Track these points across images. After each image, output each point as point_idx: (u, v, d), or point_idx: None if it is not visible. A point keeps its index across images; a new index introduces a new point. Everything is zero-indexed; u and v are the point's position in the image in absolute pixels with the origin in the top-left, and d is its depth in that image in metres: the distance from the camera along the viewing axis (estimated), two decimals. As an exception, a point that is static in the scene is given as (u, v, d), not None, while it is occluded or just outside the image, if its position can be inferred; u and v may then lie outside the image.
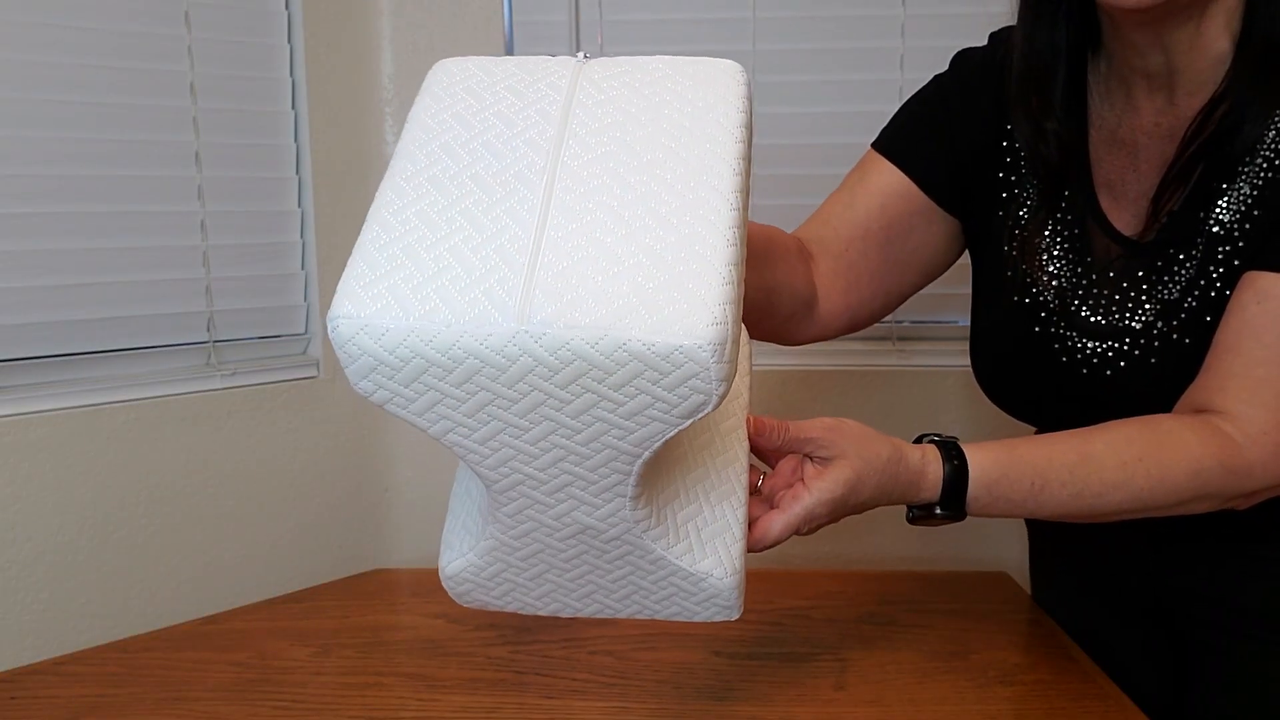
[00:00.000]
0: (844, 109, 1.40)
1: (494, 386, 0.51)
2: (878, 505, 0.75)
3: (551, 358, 0.50)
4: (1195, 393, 0.78)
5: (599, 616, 0.71)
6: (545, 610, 0.70)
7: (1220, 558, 0.90)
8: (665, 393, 0.51)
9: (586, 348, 0.49)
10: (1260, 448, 0.75)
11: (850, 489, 0.72)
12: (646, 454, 0.56)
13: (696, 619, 0.70)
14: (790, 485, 0.74)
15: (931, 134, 0.93)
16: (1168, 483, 0.75)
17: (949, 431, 1.43)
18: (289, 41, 1.34)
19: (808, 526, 0.73)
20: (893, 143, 0.94)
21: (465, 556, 0.66)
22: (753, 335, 0.89)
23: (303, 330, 1.40)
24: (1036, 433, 1.01)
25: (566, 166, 0.55)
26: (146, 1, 1.21)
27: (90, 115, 1.18)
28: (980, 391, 0.97)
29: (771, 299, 0.87)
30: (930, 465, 0.75)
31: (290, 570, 1.38)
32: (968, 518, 0.77)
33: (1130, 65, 0.83)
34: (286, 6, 1.34)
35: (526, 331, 0.49)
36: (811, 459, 0.74)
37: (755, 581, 1.18)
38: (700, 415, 0.52)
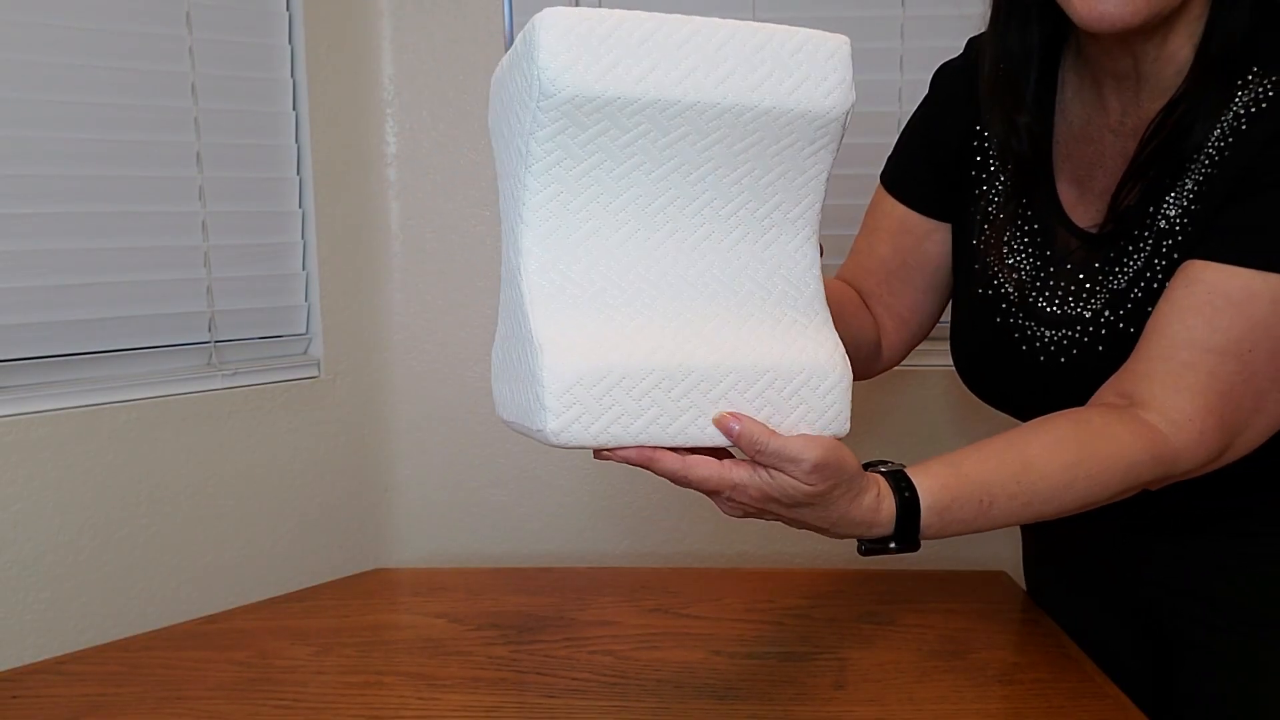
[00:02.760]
0: (843, 110, 1.40)
1: (506, 81, 0.70)
2: (823, 528, 0.72)
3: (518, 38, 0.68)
4: (1123, 377, 0.79)
5: (512, 422, 0.73)
6: (506, 408, 0.74)
7: (1192, 551, 0.91)
8: (525, 64, 0.66)
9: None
10: (1185, 434, 0.75)
11: (810, 493, 0.68)
12: (531, 161, 0.67)
13: (531, 424, 0.69)
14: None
15: (920, 157, 0.98)
16: (1105, 480, 0.75)
17: (944, 429, 1.45)
18: (289, 42, 1.34)
19: (736, 495, 0.68)
20: (891, 175, 1.01)
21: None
22: None
23: (303, 330, 1.40)
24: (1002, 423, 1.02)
25: None
26: (147, 2, 1.21)
27: (91, 115, 1.18)
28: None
29: (850, 350, 0.92)
30: (884, 500, 0.72)
31: (290, 570, 1.38)
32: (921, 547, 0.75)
33: (1100, 65, 0.85)
34: (287, 7, 1.34)
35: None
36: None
37: (755, 580, 1.19)
38: (535, 97, 0.64)
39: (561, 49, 0.62)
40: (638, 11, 0.64)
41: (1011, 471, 0.74)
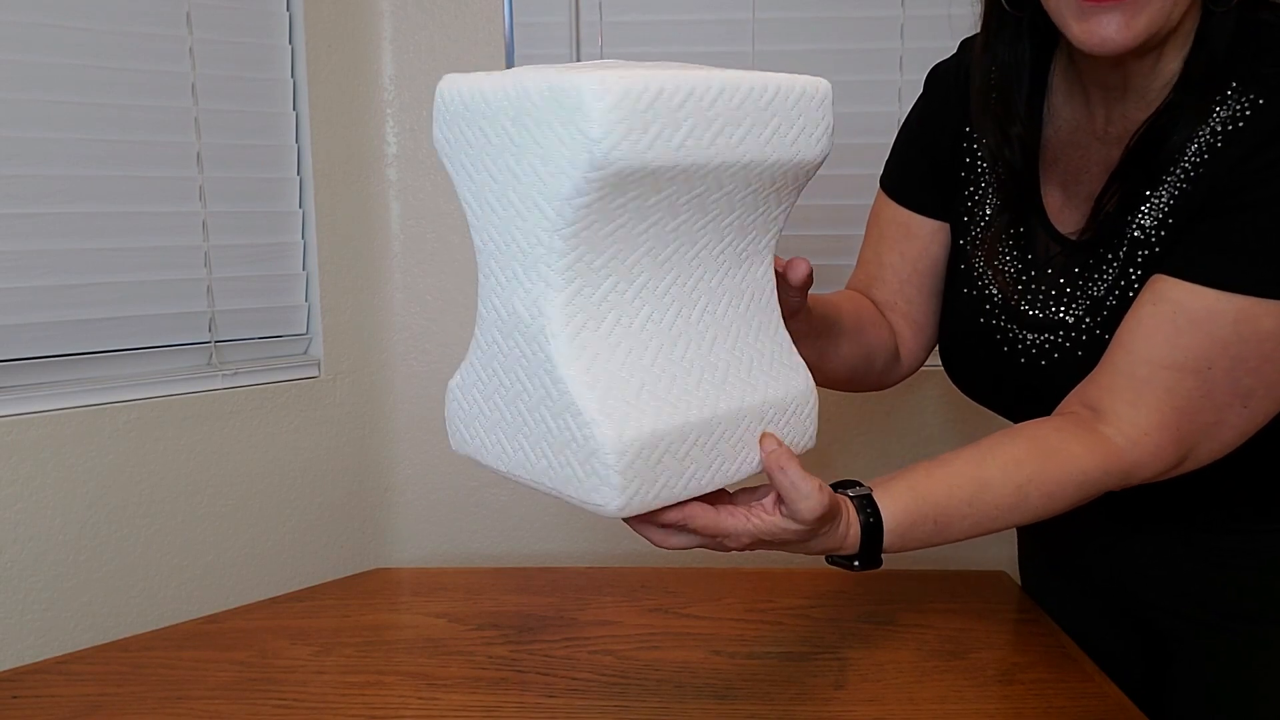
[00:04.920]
0: (844, 110, 1.39)
1: (484, 127, 0.67)
2: (808, 550, 0.77)
3: (512, 92, 0.65)
4: (1087, 387, 0.82)
5: (520, 476, 0.71)
6: (489, 455, 0.73)
7: (1184, 548, 0.92)
8: (569, 135, 0.62)
9: (530, 81, 0.64)
10: (1141, 449, 0.78)
11: (784, 533, 0.73)
12: (561, 224, 0.64)
13: (580, 495, 0.67)
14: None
15: (916, 159, 0.99)
16: (1058, 495, 0.79)
17: (942, 429, 1.45)
18: (290, 42, 1.35)
19: (730, 543, 0.73)
20: (890, 179, 1.01)
21: (459, 370, 0.74)
22: (857, 390, 1.00)
23: (303, 330, 1.40)
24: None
25: None
26: (148, 2, 1.21)
27: (92, 116, 1.19)
28: None
29: (869, 360, 0.96)
30: (851, 526, 0.77)
31: (291, 569, 1.38)
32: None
33: (1090, 75, 0.86)
34: (287, 7, 1.34)
35: (521, 72, 0.66)
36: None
37: (755, 580, 1.19)
38: (584, 168, 0.62)
39: (615, 120, 0.61)
40: (670, 73, 0.63)
41: (966, 494, 0.78)
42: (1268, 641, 0.89)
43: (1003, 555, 1.27)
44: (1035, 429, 0.81)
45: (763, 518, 0.72)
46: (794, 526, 0.71)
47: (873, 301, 1.01)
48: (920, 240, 0.98)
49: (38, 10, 1.14)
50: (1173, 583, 0.93)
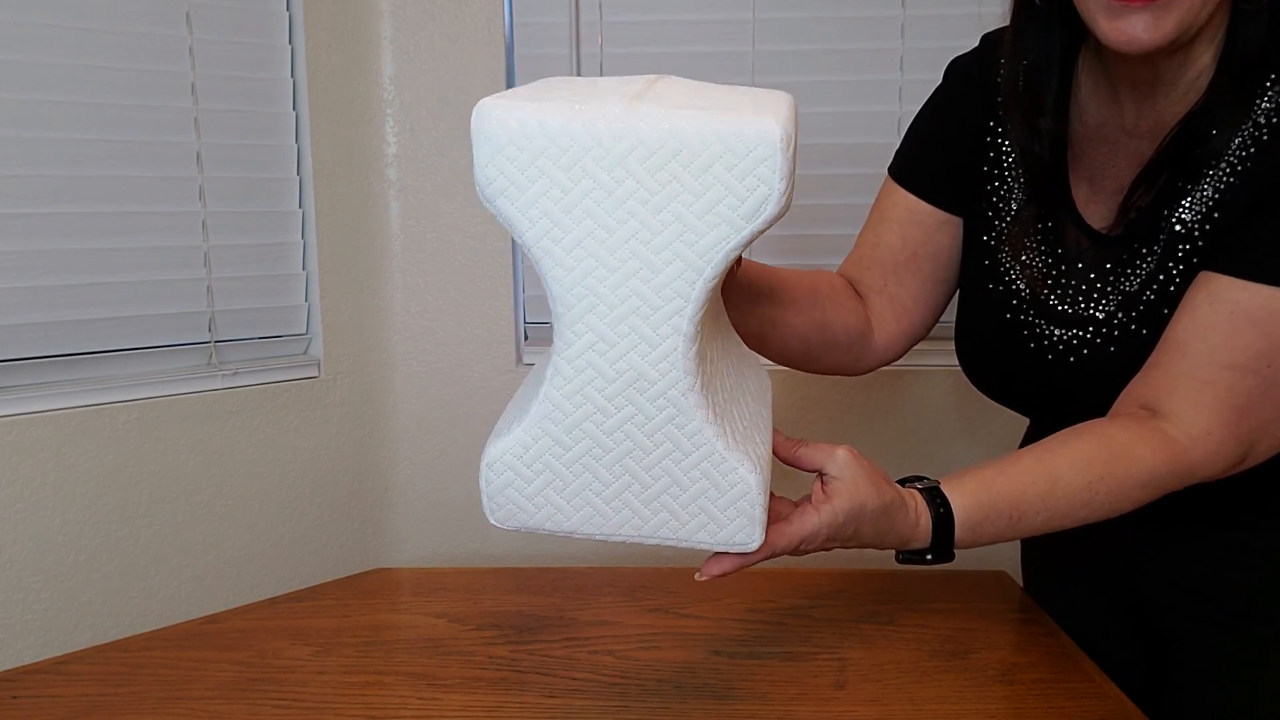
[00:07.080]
0: (844, 109, 1.40)
1: (595, 172, 0.60)
2: (872, 546, 0.78)
3: (651, 133, 0.59)
4: (1143, 387, 0.82)
5: (624, 536, 0.69)
6: (575, 521, 0.69)
7: (1188, 544, 0.92)
8: (736, 182, 0.59)
9: (683, 123, 0.58)
10: (1203, 448, 0.79)
11: (850, 517, 0.75)
12: (709, 271, 0.61)
13: (717, 539, 0.68)
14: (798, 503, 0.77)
15: (932, 149, 0.98)
16: (1126, 494, 0.80)
17: (947, 429, 1.45)
18: (290, 42, 1.35)
19: (807, 546, 0.75)
20: (900, 167, 1.00)
21: (512, 433, 0.67)
22: (822, 370, 0.99)
23: (303, 330, 1.40)
24: (1012, 426, 1.02)
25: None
26: (148, 2, 1.21)
27: (92, 116, 1.19)
28: (973, 388, 1.00)
29: (825, 333, 0.95)
30: (922, 516, 0.78)
31: (291, 569, 1.38)
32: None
33: (1118, 70, 0.86)
34: (287, 7, 1.34)
35: (634, 111, 0.59)
36: (822, 477, 0.76)
37: (755, 580, 1.19)
38: (761, 219, 0.59)
39: (791, 169, 0.60)
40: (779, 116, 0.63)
41: (1039, 490, 0.79)
42: (1271, 640, 0.89)
43: (1004, 555, 1.27)
44: (1100, 428, 0.81)
45: (823, 504, 0.74)
46: (846, 489, 0.74)
47: (859, 282, 1.00)
48: (926, 227, 0.97)
49: (38, 10, 1.14)
50: (1177, 578, 0.93)
